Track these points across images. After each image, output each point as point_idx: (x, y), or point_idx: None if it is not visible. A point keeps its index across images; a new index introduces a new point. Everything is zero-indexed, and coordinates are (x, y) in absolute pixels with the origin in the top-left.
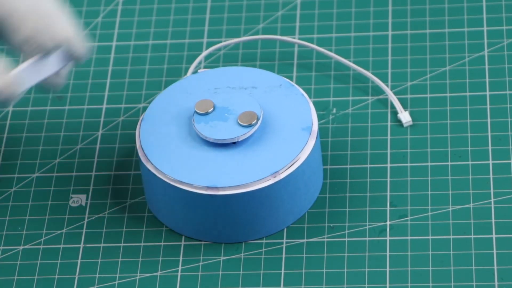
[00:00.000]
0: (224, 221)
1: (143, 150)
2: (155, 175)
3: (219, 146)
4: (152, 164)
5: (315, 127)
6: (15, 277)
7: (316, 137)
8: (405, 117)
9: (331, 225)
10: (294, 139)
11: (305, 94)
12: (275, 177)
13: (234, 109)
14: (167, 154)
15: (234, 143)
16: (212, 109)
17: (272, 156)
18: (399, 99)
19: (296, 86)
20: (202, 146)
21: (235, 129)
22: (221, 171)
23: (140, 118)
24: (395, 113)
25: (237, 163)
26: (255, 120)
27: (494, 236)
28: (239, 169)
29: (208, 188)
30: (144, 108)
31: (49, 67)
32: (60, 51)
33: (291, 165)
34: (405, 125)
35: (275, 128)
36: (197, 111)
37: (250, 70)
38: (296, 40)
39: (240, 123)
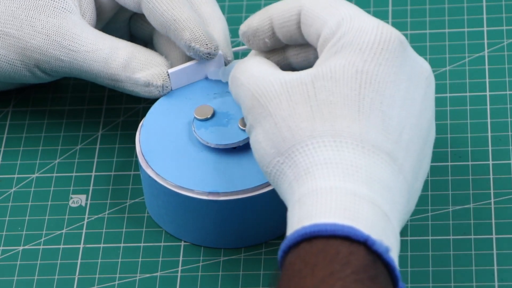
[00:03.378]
0: (225, 227)
1: (143, 156)
2: (155, 181)
3: (220, 151)
4: (152, 170)
5: None
6: (15, 277)
7: None
8: None
9: None
10: None
11: None
12: None
13: (234, 113)
14: (168, 160)
15: (235, 148)
16: (211, 114)
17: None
18: None
19: None
20: (202, 151)
21: (236, 134)
22: (222, 176)
23: (140, 124)
24: None
25: (238, 168)
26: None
27: (494, 236)
28: (240, 174)
29: (210, 193)
30: (144, 108)
31: (205, 72)
32: (216, 58)
33: None
34: None
35: None
36: (196, 117)
37: None
38: None
39: (241, 127)
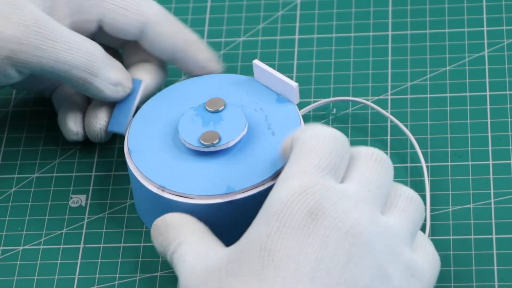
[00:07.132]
0: (218, 230)
1: (131, 157)
2: (143, 185)
3: (210, 153)
4: (140, 172)
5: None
6: (15, 277)
7: None
8: None
9: None
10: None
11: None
12: (265, 184)
13: (224, 116)
14: (154, 162)
15: (222, 150)
16: (223, 107)
17: (262, 162)
18: (399, 99)
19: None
20: (191, 155)
21: (226, 136)
22: (210, 179)
23: (128, 125)
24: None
25: (227, 170)
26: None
27: (494, 236)
28: (229, 177)
29: (200, 197)
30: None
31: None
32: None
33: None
34: None
35: (261, 135)
36: (208, 108)
37: (245, 78)
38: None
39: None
